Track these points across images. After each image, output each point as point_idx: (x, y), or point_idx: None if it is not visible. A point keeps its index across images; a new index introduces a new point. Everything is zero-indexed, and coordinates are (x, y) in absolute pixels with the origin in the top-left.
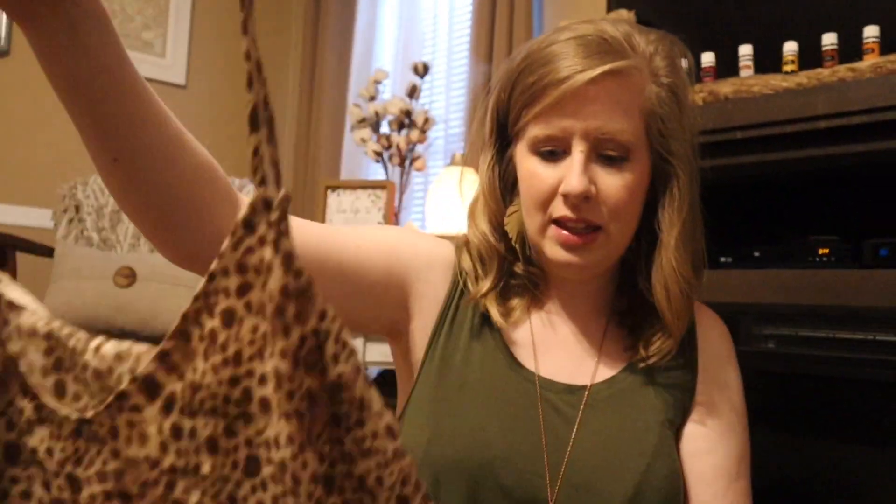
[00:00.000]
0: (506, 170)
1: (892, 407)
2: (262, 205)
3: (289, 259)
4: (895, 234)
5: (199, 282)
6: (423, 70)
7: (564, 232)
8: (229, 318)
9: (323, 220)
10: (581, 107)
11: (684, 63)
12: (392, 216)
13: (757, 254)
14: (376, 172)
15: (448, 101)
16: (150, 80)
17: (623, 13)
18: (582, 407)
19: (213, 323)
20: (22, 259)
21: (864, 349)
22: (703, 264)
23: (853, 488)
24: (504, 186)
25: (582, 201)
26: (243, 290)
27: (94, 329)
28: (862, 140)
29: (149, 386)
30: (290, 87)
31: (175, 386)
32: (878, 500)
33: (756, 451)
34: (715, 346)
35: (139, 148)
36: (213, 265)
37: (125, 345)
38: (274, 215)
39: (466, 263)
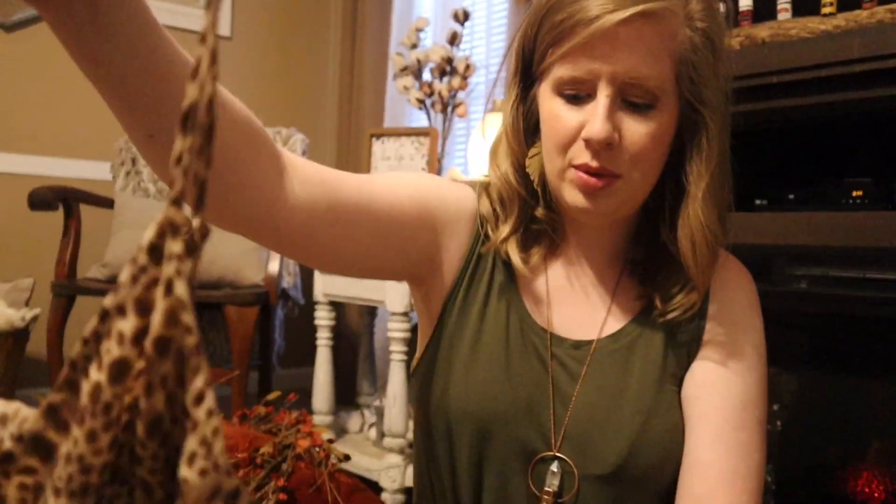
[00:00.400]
0: (529, 110)
1: None
2: (170, 229)
3: (174, 312)
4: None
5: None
6: (463, 17)
7: (584, 175)
8: (119, 372)
9: (368, 168)
10: (610, 49)
11: (722, 7)
12: (435, 162)
13: (791, 196)
14: (419, 119)
15: (489, 48)
16: (195, 32)
17: None
18: (587, 362)
19: (99, 377)
20: (85, 210)
21: (889, 289)
22: (728, 216)
23: (882, 423)
24: (527, 127)
25: (604, 148)
26: (141, 336)
27: None
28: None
29: (37, 445)
30: (332, 37)
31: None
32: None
33: (787, 388)
34: (731, 294)
35: (173, 124)
36: (107, 300)
37: (12, 406)
38: (177, 246)
39: (486, 207)
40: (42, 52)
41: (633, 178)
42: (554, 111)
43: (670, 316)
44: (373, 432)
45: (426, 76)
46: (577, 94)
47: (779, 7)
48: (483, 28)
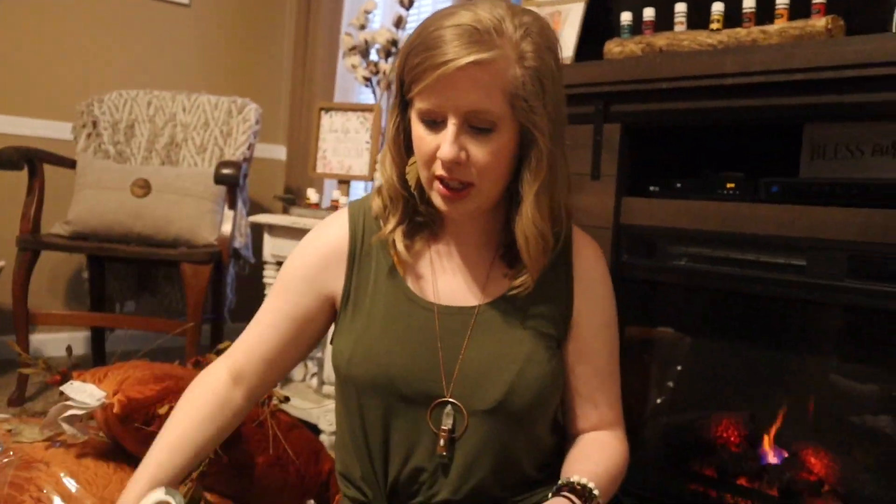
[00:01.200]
0: (407, 126)
1: (774, 316)
2: None
3: None
4: (786, 174)
5: (208, 193)
6: (408, 2)
7: (442, 187)
8: None
9: (317, 139)
10: (452, 89)
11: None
12: (378, 136)
13: (679, 185)
14: (367, 96)
15: None
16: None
17: None
18: (471, 324)
19: None
20: (47, 169)
21: (754, 267)
22: (563, 213)
23: (739, 381)
24: (406, 140)
25: (454, 165)
26: None
27: (115, 234)
28: (761, 96)
29: None
30: (288, 13)
31: None
32: (755, 394)
33: (666, 349)
34: (590, 267)
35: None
36: None
37: None
38: None
39: (377, 206)
40: (4, 13)
41: (483, 186)
42: (419, 134)
43: (516, 292)
44: (314, 381)
45: (373, 56)
46: (434, 121)
47: (675, 20)
48: (429, 11)
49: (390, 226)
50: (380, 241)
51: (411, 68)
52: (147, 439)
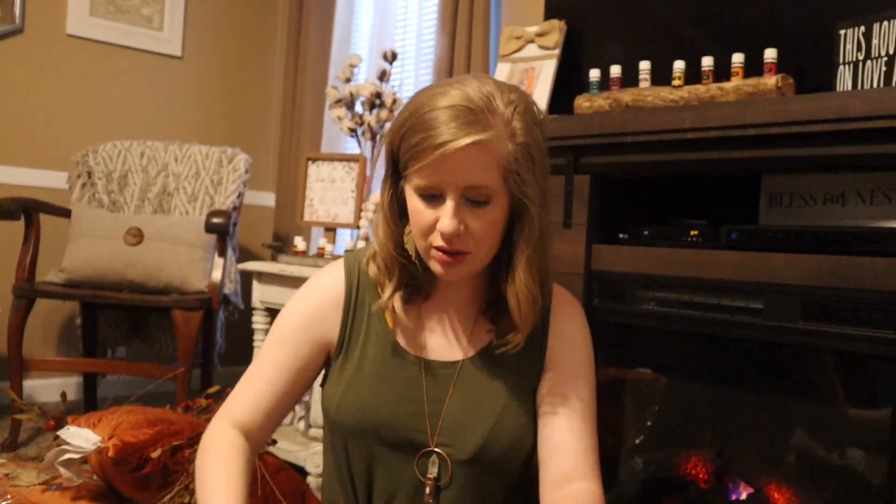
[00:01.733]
0: (400, 197)
1: (736, 356)
2: None
3: None
4: (747, 221)
5: (199, 241)
6: (391, 57)
7: (441, 255)
8: None
9: (304, 187)
10: (453, 167)
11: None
12: (363, 185)
13: (646, 232)
14: (354, 146)
15: (417, 80)
16: (148, 52)
17: (555, 23)
18: (455, 377)
19: None
20: (43, 218)
21: (716, 311)
22: (549, 275)
23: (707, 419)
24: (401, 209)
25: (454, 236)
26: None
27: (108, 281)
28: (718, 149)
29: None
30: (277, 66)
31: None
32: (722, 431)
33: (637, 390)
34: (566, 321)
35: None
36: None
37: None
38: None
39: (373, 271)
40: (2, 66)
41: (479, 252)
42: (417, 207)
43: (503, 350)
44: (301, 424)
45: (358, 108)
46: (433, 195)
47: (640, 76)
48: (412, 62)
49: (388, 292)
50: (372, 295)
51: (409, 147)
52: (140, 482)
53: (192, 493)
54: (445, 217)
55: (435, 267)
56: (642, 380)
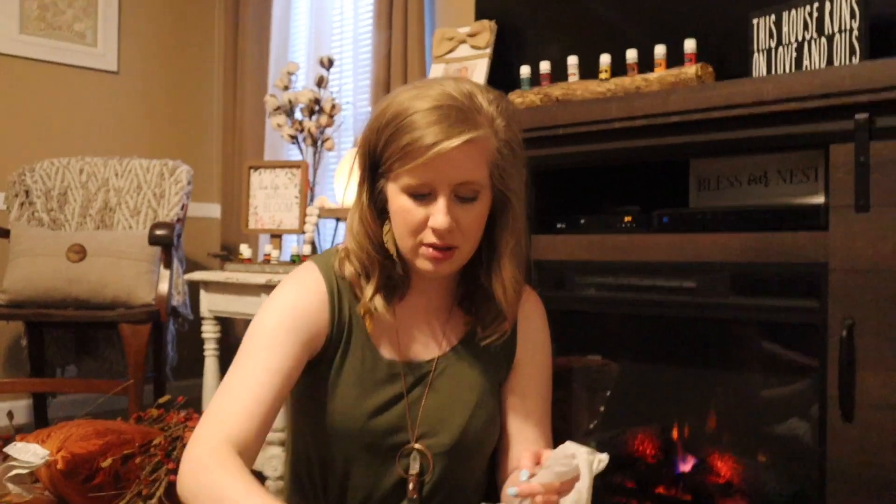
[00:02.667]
0: (378, 197)
1: (668, 334)
2: None
3: None
4: (680, 205)
5: (143, 255)
6: (328, 63)
7: (432, 251)
8: None
9: (248, 196)
10: (446, 165)
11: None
12: (306, 191)
13: (582, 221)
14: (295, 153)
15: (356, 85)
16: (82, 68)
17: (485, 23)
18: (432, 374)
19: None
20: None
21: (652, 292)
22: (525, 264)
23: (650, 398)
24: (378, 209)
25: (447, 233)
26: None
27: (52, 300)
28: (644, 137)
29: None
30: (216, 76)
31: None
32: (665, 408)
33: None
34: (532, 318)
35: None
36: None
37: None
38: None
39: (349, 272)
40: None
41: (466, 247)
42: (404, 206)
43: (490, 339)
44: None
45: (297, 115)
46: (422, 194)
47: (569, 71)
48: (350, 67)
49: (370, 292)
50: (350, 299)
51: (398, 149)
52: (92, 493)
53: (146, 499)
54: (439, 214)
55: (423, 264)
56: (589, 365)
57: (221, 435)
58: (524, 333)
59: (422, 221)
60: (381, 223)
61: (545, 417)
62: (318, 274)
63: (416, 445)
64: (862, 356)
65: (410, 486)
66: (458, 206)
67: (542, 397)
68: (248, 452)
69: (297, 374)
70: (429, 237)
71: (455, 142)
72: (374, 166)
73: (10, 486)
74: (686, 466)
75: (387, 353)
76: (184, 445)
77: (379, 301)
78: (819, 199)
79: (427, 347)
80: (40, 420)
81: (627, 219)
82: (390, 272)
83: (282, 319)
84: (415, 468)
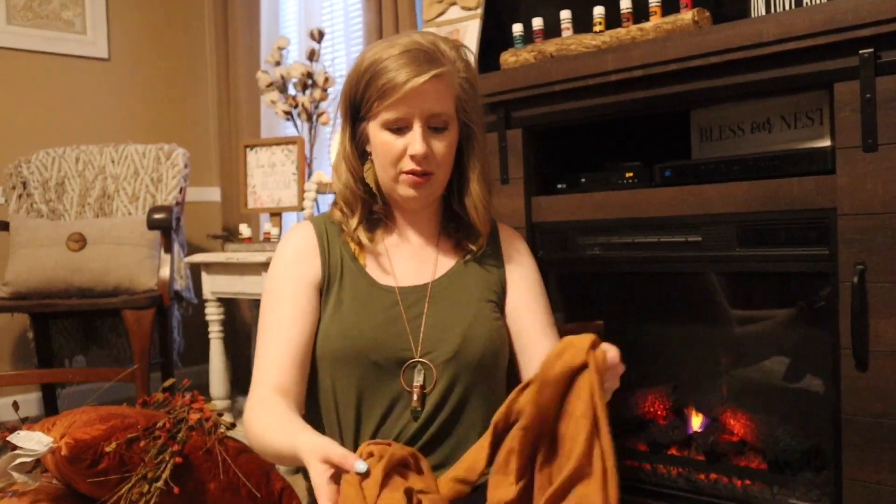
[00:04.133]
0: (359, 139)
1: (676, 290)
2: None
3: None
4: (683, 158)
5: (143, 240)
6: (318, 36)
7: (412, 177)
8: None
9: (245, 175)
10: (416, 99)
11: (472, 59)
12: (304, 168)
13: (583, 180)
14: (291, 129)
15: (348, 57)
16: (73, 56)
17: None
18: (428, 296)
19: None
20: None
21: (657, 248)
22: (492, 188)
23: (660, 357)
24: (359, 150)
25: (423, 159)
26: None
27: (54, 290)
28: (642, 88)
29: None
30: (208, 57)
31: None
32: (675, 367)
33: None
34: (513, 244)
35: None
36: None
37: None
38: None
39: (337, 215)
40: None
41: (440, 174)
42: (385, 140)
43: (470, 257)
44: None
45: (290, 90)
46: (400, 127)
47: (562, 26)
48: (342, 39)
49: (353, 223)
50: (341, 241)
51: (376, 90)
52: (97, 478)
53: (151, 482)
54: (416, 142)
55: (405, 191)
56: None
57: (267, 384)
58: (509, 255)
59: (401, 151)
60: (362, 163)
61: (551, 328)
62: (307, 223)
63: (420, 359)
64: (874, 302)
65: (415, 396)
66: (431, 135)
67: (542, 309)
68: (292, 394)
69: (315, 312)
70: (408, 164)
71: (424, 77)
72: (356, 111)
73: (15, 474)
74: (698, 426)
75: (383, 281)
76: (189, 427)
77: (362, 232)
78: (825, 143)
79: (421, 274)
80: (50, 412)
81: (629, 175)
82: (372, 206)
83: (282, 272)
84: (418, 380)
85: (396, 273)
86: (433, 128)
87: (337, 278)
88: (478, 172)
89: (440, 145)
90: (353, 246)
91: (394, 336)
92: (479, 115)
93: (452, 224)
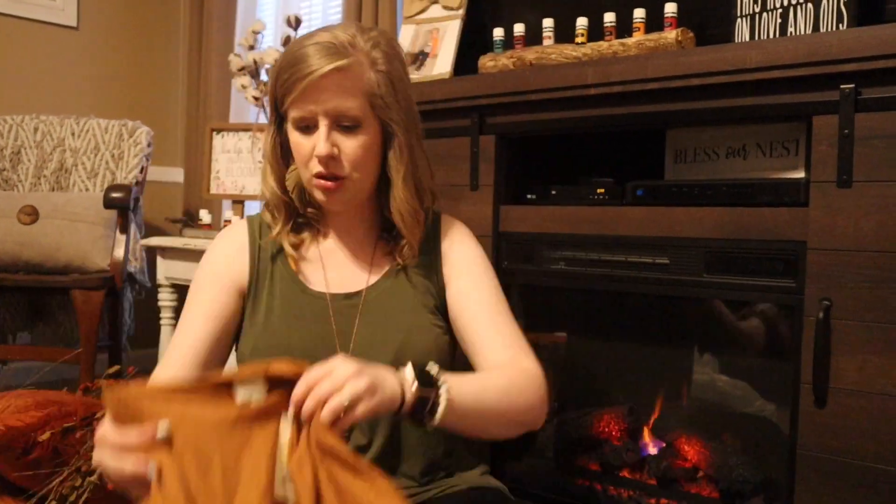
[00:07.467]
0: (284, 139)
1: (641, 310)
2: None
3: None
4: (655, 177)
5: (99, 218)
6: (295, 22)
7: (321, 181)
8: None
9: (210, 160)
10: (318, 94)
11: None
12: None
13: (554, 192)
14: (262, 116)
15: None
16: (40, 22)
17: None
18: (360, 306)
19: None
20: None
21: (624, 267)
22: (428, 192)
23: (618, 377)
24: (284, 152)
25: (329, 160)
26: None
27: (1, 263)
28: (621, 104)
29: None
30: (181, 35)
31: None
32: (633, 388)
33: (551, 346)
34: (454, 239)
35: None
36: None
37: None
38: None
39: (267, 217)
40: None
41: (355, 177)
42: (296, 140)
43: (404, 264)
44: None
45: (263, 76)
46: (308, 126)
47: (544, 34)
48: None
49: (277, 228)
50: (274, 243)
51: (283, 83)
52: (28, 467)
53: (85, 475)
54: (319, 142)
55: (318, 196)
56: (556, 343)
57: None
58: (448, 254)
59: (310, 152)
60: (287, 165)
61: (502, 316)
62: (241, 223)
63: None
64: (837, 339)
65: None
66: (340, 134)
67: (488, 303)
68: None
69: (233, 319)
70: (316, 167)
71: (322, 70)
72: (277, 110)
73: None
74: (652, 449)
75: (313, 286)
76: None
77: (285, 238)
78: (799, 174)
79: (355, 279)
80: None
81: (600, 191)
82: (296, 210)
83: (207, 269)
84: None
85: (329, 279)
86: (343, 126)
87: (266, 282)
88: (402, 176)
89: (351, 145)
90: (288, 249)
91: (322, 352)
92: (403, 113)
93: (388, 229)
